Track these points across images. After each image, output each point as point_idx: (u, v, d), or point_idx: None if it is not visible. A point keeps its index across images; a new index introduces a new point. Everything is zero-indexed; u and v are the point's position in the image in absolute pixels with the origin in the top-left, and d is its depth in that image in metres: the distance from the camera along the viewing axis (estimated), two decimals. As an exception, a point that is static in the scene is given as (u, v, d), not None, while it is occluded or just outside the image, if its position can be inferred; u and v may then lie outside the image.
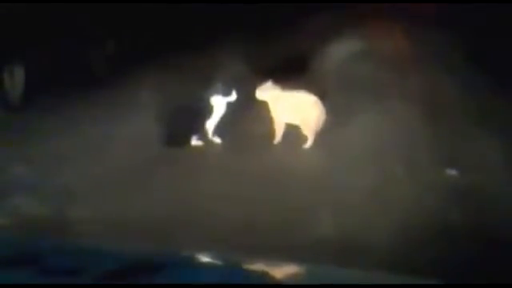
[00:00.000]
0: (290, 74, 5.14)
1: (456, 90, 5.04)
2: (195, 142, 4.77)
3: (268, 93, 4.64)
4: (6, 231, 3.47)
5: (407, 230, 3.34)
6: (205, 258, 1.55)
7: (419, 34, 5.87)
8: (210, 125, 4.76)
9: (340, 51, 5.89)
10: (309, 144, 4.61)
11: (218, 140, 4.78)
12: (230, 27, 5.90)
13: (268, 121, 4.68)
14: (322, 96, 4.63)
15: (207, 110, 4.71)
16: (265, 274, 1.42)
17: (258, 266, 1.50)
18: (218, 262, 1.53)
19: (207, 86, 4.79)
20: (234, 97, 4.70)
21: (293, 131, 4.65)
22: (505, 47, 5.30)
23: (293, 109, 4.61)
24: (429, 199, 3.72)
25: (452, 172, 4.09)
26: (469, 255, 3.08)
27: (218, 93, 4.69)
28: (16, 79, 5.59)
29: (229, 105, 4.71)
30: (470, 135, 4.43)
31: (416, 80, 5.27)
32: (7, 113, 5.39)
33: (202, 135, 4.79)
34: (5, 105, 5.49)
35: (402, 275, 1.52)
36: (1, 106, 5.45)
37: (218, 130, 4.78)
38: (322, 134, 4.59)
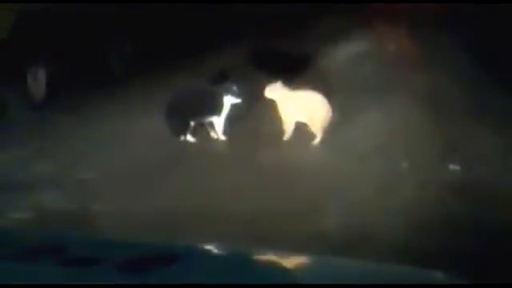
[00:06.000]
0: (299, 74, 5.26)
1: (459, 88, 5.09)
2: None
3: (277, 92, 4.73)
4: (31, 224, 3.64)
5: (411, 224, 3.42)
6: (215, 249, 1.60)
7: (424, 34, 5.92)
8: (222, 123, 4.86)
9: (346, 51, 5.96)
10: (316, 141, 4.71)
11: (229, 137, 4.88)
12: (241, 29, 6.00)
13: (277, 119, 4.78)
14: (329, 95, 4.72)
15: (218, 109, 4.80)
16: (273, 265, 1.48)
17: (266, 257, 1.55)
18: (228, 253, 1.58)
19: (218, 85, 4.90)
20: (244, 96, 4.79)
21: (301, 129, 4.75)
22: (505, 46, 5.34)
23: (301, 107, 4.71)
24: (432, 193, 3.80)
25: (454, 167, 4.18)
26: (469, 246, 3.15)
27: (229, 92, 4.79)
28: (38, 80, 5.76)
29: (240, 104, 4.81)
30: (472, 131, 4.50)
31: (421, 79, 5.33)
32: (30, 111, 5.55)
33: (214, 133, 4.91)
34: (28, 104, 5.66)
35: (405, 266, 1.56)
36: (24, 104, 5.61)
37: (229, 128, 4.88)
38: (329, 132, 4.69)
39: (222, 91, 4.82)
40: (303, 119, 4.75)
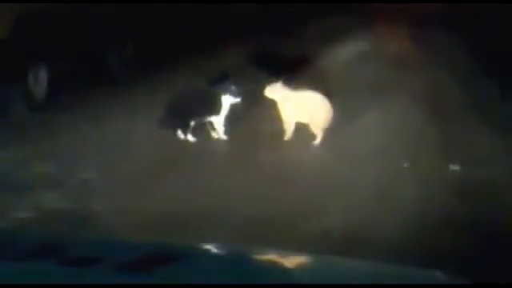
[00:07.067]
0: (299, 74, 5.27)
1: (459, 88, 5.10)
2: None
3: (278, 93, 4.74)
4: (31, 224, 3.64)
5: (411, 224, 3.43)
6: (215, 249, 1.61)
7: (424, 34, 5.93)
8: (222, 123, 4.86)
9: (346, 51, 5.97)
10: (316, 141, 4.72)
11: (229, 137, 4.88)
12: (241, 29, 6.01)
13: (277, 119, 4.78)
14: (330, 95, 4.73)
15: (218, 109, 4.82)
16: (273, 265, 1.48)
17: (266, 257, 1.56)
18: (228, 253, 1.59)
19: (218, 85, 4.91)
20: (244, 96, 4.81)
21: (301, 129, 4.76)
22: (505, 46, 5.35)
23: (301, 108, 4.72)
24: (432, 193, 3.81)
25: (454, 167, 4.18)
26: (469, 246, 3.17)
27: (228, 92, 4.80)
28: (39, 80, 5.77)
29: (240, 104, 4.82)
30: (472, 131, 4.51)
31: (421, 79, 5.34)
32: (31, 111, 5.55)
33: (214, 133, 4.92)
34: (29, 104, 5.66)
35: (405, 266, 1.57)
36: (25, 105, 5.61)
37: (229, 128, 4.89)
38: (329, 132, 4.70)
39: (221, 91, 4.84)
40: (303, 119, 4.76)
